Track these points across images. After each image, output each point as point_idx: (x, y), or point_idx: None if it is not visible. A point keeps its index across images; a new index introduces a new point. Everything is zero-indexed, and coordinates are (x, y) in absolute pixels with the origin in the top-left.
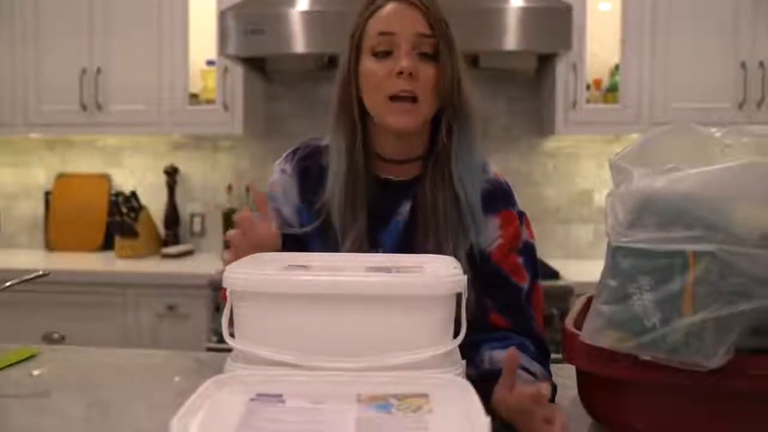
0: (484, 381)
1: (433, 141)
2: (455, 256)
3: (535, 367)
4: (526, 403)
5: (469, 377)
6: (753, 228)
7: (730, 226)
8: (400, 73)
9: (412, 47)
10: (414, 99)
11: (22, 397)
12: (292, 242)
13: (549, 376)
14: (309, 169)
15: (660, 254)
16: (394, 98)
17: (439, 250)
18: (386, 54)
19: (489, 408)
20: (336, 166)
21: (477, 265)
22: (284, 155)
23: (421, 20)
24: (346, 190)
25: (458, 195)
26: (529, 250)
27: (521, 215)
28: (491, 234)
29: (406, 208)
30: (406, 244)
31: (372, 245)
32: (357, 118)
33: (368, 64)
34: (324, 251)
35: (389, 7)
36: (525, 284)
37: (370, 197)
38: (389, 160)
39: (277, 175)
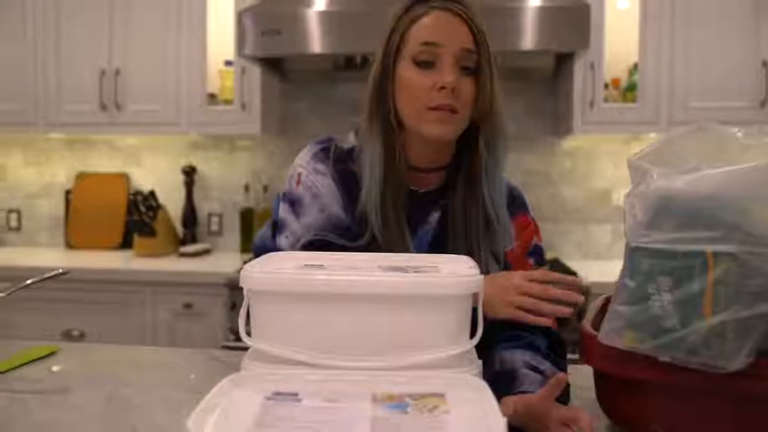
0: (494, 382)
1: (458, 152)
2: (487, 265)
3: (545, 365)
4: (536, 406)
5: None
6: None
7: (750, 226)
8: (443, 87)
9: (455, 61)
10: (453, 110)
11: (42, 393)
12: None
13: (561, 370)
14: (344, 173)
15: (679, 255)
16: (432, 108)
17: (469, 255)
18: (428, 64)
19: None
20: (371, 173)
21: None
22: (310, 153)
23: (466, 34)
24: (384, 198)
25: (488, 209)
26: (540, 252)
27: (534, 222)
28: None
29: (434, 217)
30: (436, 251)
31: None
32: (395, 125)
33: (408, 72)
34: None
35: (434, 16)
36: None
37: (404, 206)
38: (415, 168)
39: (315, 176)
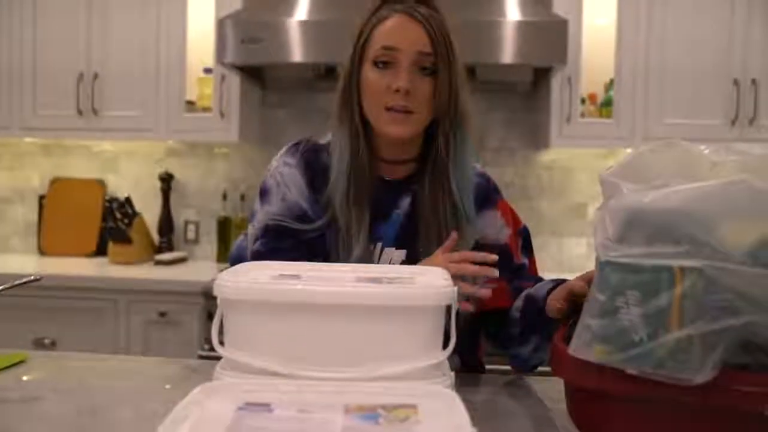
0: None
1: (427, 143)
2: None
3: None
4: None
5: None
6: (739, 244)
7: (717, 242)
8: (397, 90)
9: (412, 63)
10: (408, 111)
11: (11, 402)
12: (308, 234)
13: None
14: (312, 164)
15: (647, 269)
16: (389, 108)
17: (440, 240)
18: (387, 64)
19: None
20: (339, 164)
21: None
22: (285, 149)
23: (423, 37)
24: (349, 186)
25: (455, 196)
26: (527, 234)
27: (509, 206)
28: (496, 226)
29: (405, 202)
30: (407, 235)
31: (371, 239)
32: (358, 122)
33: (369, 73)
34: (335, 244)
35: (395, 20)
36: (524, 261)
37: (369, 194)
38: (385, 161)
39: (283, 167)
